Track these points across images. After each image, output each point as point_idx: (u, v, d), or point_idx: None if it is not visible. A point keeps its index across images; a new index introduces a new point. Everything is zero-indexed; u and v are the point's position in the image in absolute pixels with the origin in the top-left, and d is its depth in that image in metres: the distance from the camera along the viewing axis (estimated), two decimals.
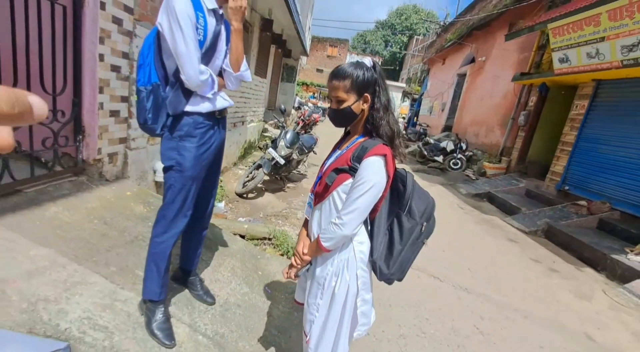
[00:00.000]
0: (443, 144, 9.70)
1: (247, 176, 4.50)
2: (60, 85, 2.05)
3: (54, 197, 2.01)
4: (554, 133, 7.08)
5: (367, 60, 1.15)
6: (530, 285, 3.38)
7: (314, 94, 28.04)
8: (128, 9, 2.37)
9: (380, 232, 1.22)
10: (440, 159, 9.56)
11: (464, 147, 9.35)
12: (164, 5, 1.31)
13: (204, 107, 1.44)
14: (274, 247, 3.06)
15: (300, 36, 10.39)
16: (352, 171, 1.11)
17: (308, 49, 17.83)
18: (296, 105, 16.93)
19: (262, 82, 6.87)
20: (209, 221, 1.83)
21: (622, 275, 3.73)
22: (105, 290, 1.57)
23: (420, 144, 10.67)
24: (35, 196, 1.95)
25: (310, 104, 17.21)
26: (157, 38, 1.38)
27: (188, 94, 1.41)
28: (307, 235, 1.33)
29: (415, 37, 31.32)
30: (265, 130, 7.67)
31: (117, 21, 2.29)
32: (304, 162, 5.98)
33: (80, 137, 2.25)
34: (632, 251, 4.04)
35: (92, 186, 2.32)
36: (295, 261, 1.30)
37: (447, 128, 13.16)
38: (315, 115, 11.69)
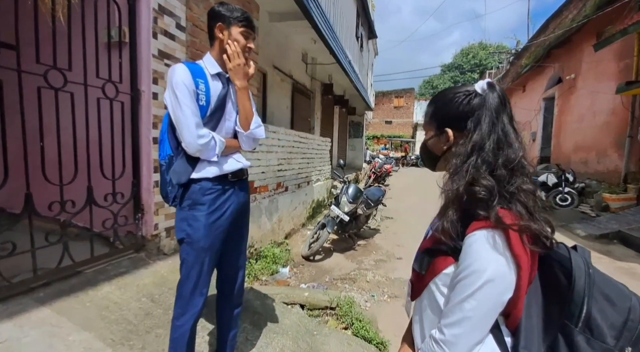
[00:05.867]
0: (542, 178, 8.23)
1: (312, 237, 4.31)
2: (120, 170, 2.26)
3: (110, 276, 2.09)
4: None
5: (480, 83, 0.77)
6: None
7: (385, 145, 28.03)
8: None
9: None
10: (542, 196, 8.06)
11: (571, 178, 7.76)
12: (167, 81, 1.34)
13: (210, 171, 1.34)
14: (337, 319, 2.67)
15: (361, 94, 10.74)
16: (456, 253, 0.69)
17: (372, 104, 18.30)
18: (367, 158, 16.98)
19: (325, 141, 7.04)
20: (241, 297, 1.63)
21: None
22: None
23: None
24: (93, 276, 2.05)
25: (381, 156, 17.06)
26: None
27: (194, 161, 1.34)
28: (411, 342, 0.85)
29: (487, 71, 29.88)
30: (334, 187, 7.63)
31: None
32: (374, 216, 5.58)
33: (140, 215, 2.40)
34: None
35: (149, 262, 2.38)
36: None
37: (544, 159, 11.38)
38: (386, 166, 11.42)
